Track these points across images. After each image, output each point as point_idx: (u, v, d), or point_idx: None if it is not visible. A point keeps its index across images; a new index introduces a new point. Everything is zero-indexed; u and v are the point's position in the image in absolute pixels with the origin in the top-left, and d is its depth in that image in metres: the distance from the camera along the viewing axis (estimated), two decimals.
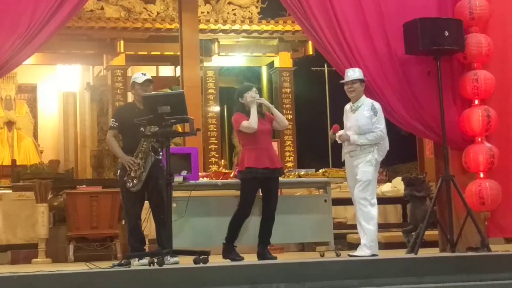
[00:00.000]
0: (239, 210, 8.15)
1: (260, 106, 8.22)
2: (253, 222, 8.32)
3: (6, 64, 7.94)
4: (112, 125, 8.09)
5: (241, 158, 8.26)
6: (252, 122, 8.02)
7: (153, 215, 7.96)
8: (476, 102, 8.90)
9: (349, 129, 8.13)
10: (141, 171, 7.74)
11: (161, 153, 7.61)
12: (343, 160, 8.33)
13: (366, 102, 8.19)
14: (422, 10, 8.83)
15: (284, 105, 19.02)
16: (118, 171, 8.11)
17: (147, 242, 8.79)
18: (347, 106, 8.29)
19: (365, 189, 7.97)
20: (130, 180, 7.79)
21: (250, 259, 8.00)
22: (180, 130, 12.10)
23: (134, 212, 8.00)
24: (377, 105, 8.19)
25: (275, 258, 8.13)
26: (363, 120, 8.06)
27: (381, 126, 8.09)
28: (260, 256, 8.17)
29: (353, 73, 8.21)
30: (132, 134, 7.82)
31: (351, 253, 8.00)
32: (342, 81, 8.29)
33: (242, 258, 8.03)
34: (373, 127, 8.04)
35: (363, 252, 7.84)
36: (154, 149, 7.63)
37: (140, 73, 8.26)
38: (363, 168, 7.99)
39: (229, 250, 8.12)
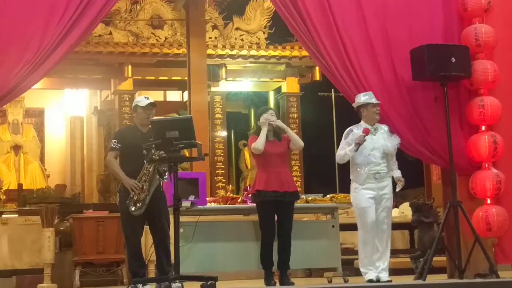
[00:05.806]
0: (261, 234, 8.17)
1: (278, 129, 8.19)
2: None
3: (14, 89, 7.92)
4: (114, 146, 7.88)
5: (254, 180, 8.28)
6: (258, 143, 8.02)
7: (156, 240, 7.88)
8: (483, 128, 8.90)
9: (372, 151, 8.04)
10: (145, 195, 7.64)
11: (165, 177, 7.59)
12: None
13: (380, 126, 8.25)
14: (428, 36, 8.86)
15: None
16: (118, 194, 7.96)
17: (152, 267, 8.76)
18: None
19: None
20: (132, 204, 7.67)
21: (258, 285, 7.96)
22: (187, 155, 12.10)
23: (137, 237, 7.93)
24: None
25: (293, 284, 8.03)
26: (391, 142, 8.13)
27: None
28: (280, 282, 8.14)
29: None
30: (134, 157, 7.76)
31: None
32: (369, 102, 8.17)
33: (274, 284, 8.03)
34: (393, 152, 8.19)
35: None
36: (159, 172, 7.58)
37: (143, 97, 8.13)
38: (391, 194, 8.09)
39: (265, 276, 8.15)
